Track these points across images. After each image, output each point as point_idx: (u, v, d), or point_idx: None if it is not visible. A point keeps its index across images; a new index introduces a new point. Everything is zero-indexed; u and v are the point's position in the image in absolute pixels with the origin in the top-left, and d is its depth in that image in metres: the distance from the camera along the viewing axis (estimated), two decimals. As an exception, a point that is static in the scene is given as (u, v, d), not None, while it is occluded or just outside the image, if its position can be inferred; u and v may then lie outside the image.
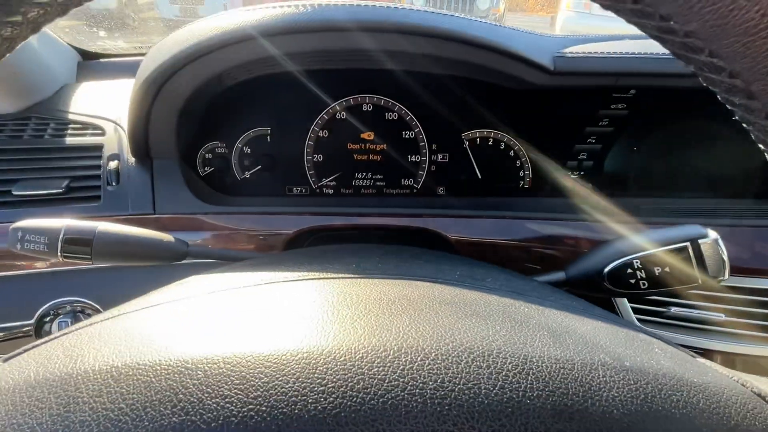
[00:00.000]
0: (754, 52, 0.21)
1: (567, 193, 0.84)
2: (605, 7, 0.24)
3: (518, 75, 0.69)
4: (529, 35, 0.73)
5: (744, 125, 0.25)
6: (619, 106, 0.76)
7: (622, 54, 0.70)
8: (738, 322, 0.71)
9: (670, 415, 0.23)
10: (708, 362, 0.29)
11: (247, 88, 0.76)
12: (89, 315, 0.73)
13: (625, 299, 0.71)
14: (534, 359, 0.24)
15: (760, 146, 0.25)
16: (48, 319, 0.71)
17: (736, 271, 0.71)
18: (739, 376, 0.28)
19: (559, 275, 0.51)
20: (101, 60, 1.04)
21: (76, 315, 0.72)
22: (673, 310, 0.70)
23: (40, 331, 0.72)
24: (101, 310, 0.73)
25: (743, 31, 0.20)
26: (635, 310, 0.72)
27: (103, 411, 0.22)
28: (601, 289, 0.48)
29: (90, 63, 1.02)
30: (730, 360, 0.75)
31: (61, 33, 0.98)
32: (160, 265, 0.56)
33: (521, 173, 0.86)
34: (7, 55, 0.22)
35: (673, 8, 0.21)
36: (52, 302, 0.71)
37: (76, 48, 1.01)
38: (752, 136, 0.25)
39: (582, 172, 0.85)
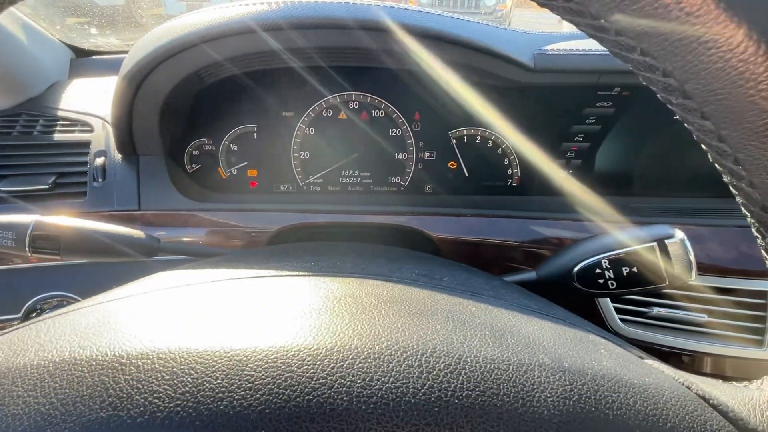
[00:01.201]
0: (682, 51, 0.20)
1: (555, 191, 0.84)
2: (540, 4, 0.23)
3: (499, 72, 0.68)
4: (511, 33, 0.72)
5: (685, 125, 0.25)
6: (605, 104, 0.76)
7: (603, 51, 0.69)
8: (722, 324, 0.70)
9: (603, 416, 0.23)
10: (657, 364, 0.29)
11: (233, 85, 0.77)
12: None
13: (608, 299, 0.70)
14: (469, 359, 0.24)
15: (702, 146, 0.25)
16: (34, 313, 0.72)
17: (720, 271, 0.70)
18: (686, 378, 0.28)
19: (530, 275, 0.51)
20: (94, 57, 1.04)
21: (63, 309, 0.73)
22: (656, 310, 0.70)
23: None
24: None
25: (670, 30, 0.20)
26: (618, 311, 0.71)
27: (35, 405, 0.22)
28: (570, 289, 0.48)
29: (82, 60, 1.03)
30: (720, 362, 0.74)
31: (54, 30, 0.99)
32: (143, 261, 0.57)
33: (509, 171, 0.86)
34: None
35: (599, 7, 0.21)
36: (39, 297, 0.72)
37: (68, 45, 1.02)
38: (694, 136, 0.25)
39: (570, 171, 0.85)
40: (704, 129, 0.23)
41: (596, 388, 0.24)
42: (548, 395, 0.23)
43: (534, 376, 0.24)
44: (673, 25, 0.19)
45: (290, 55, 0.66)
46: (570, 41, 0.72)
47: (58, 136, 0.78)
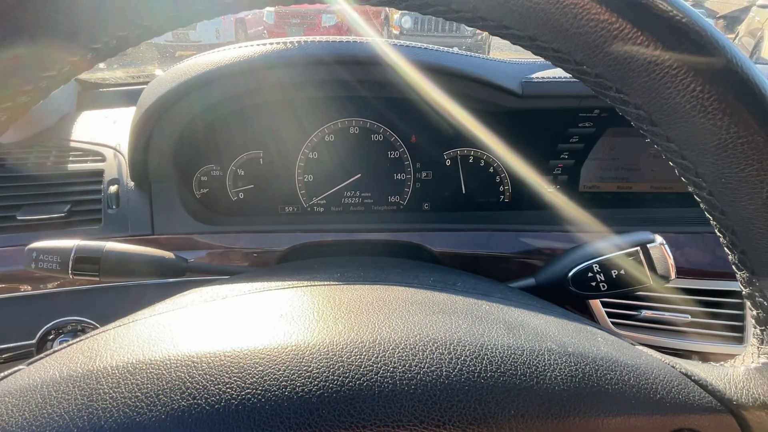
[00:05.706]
0: (648, 89, 0.26)
1: (545, 205, 0.89)
2: (534, 53, 0.29)
3: (491, 99, 0.75)
4: (500, 63, 0.79)
5: (655, 147, 0.30)
6: (586, 124, 0.83)
7: None
8: (704, 323, 0.76)
9: (603, 390, 0.28)
10: (646, 349, 0.34)
11: (240, 114, 0.82)
12: None
13: (600, 304, 0.76)
14: (489, 347, 0.29)
15: (670, 163, 0.30)
16: (50, 337, 0.74)
17: (699, 274, 0.76)
18: (671, 360, 0.32)
19: (530, 281, 0.56)
20: (100, 90, 1.09)
21: (77, 334, 0.75)
22: (643, 313, 0.75)
23: (41, 350, 0.75)
24: None
25: (643, 72, 0.26)
26: (609, 314, 0.76)
27: (122, 399, 0.25)
28: (567, 293, 0.52)
29: (89, 93, 1.07)
30: (704, 359, 0.79)
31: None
32: (159, 284, 0.60)
33: (501, 188, 0.92)
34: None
35: (582, 56, 0.26)
36: (54, 322, 0.74)
37: (75, 79, 1.06)
38: (663, 156, 0.30)
39: (558, 186, 0.91)
40: (670, 149, 0.28)
41: (596, 368, 0.29)
42: (557, 374, 0.28)
43: (544, 359, 0.29)
44: (648, 67, 0.25)
45: (299, 87, 0.72)
46: (553, 69, 0.79)
47: (71, 166, 0.82)
